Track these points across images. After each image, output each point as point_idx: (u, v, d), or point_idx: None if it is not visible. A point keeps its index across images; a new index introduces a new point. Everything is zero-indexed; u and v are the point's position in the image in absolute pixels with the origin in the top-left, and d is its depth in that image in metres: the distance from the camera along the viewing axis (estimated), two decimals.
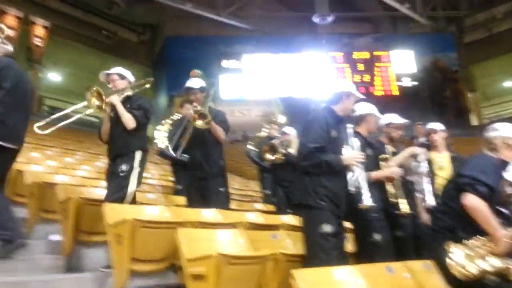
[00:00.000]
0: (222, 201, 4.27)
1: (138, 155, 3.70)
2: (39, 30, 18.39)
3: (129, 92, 3.92)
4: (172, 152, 4.42)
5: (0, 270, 3.01)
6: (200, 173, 4.26)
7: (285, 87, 21.25)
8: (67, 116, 4.23)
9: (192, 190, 4.50)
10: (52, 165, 5.84)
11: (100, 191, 4.20)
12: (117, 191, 3.57)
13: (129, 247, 2.97)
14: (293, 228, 3.98)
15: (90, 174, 5.69)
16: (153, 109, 3.96)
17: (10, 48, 3.26)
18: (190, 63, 21.03)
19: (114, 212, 3.17)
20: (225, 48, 21.71)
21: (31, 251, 3.59)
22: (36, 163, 5.52)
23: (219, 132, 4.24)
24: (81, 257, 3.53)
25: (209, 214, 4.08)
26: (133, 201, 3.73)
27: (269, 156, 5.22)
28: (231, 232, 3.29)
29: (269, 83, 21.52)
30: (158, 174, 7.86)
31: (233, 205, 5.33)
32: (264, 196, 6.15)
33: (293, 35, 22.26)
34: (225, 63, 21.87)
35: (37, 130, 3.73)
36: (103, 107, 3.68)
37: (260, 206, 5.70)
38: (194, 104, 4.04)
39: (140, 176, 3.74)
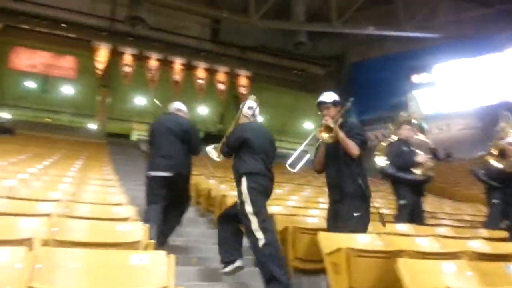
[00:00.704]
0: (352, 229, 3.55)
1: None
2: (243, 80, 21.23)
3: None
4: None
5: None
6: (334, 194, 3.78)
7: (489, 92, 18.54)
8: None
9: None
10: None
11: (311, 219, 4.40)
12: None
13: (346, 276, 2.98)
14: None
15: (299, 204, 6.04)
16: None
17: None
18: (377, 84, 20.70)
19: (328, 241, 3.25)
20: (414, 63, 20.48)
21: (257, 276, 3.99)
22: None
23: (349, 146, 3.56)
24: (300, 285, 3.71)
25: (424, 242, 3.79)
26: None
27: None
28: (456, 264, 2.96)
29: (468, 92, 19.19)
30: None
31: (449, 231, 4.83)
32: (490, 219, 5.37)
33: (491, 34, 19.36)
34: (415, 78, 20.60)
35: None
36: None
37: (483, 232, 4.98)
38: (325, 117, 3.69)
39: None
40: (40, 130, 15.99)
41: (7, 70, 18.84)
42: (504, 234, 4.81)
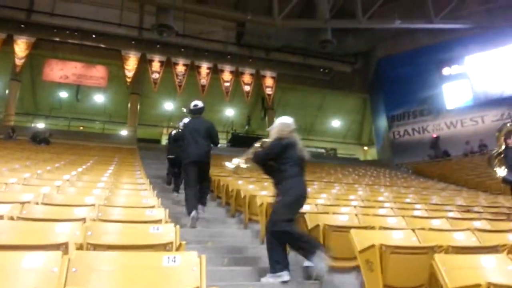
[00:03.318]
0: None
1: None
2: (269, 81, 21.27)
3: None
4: None
5: None
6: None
7: None
8: None
9: None
10: None
11: (341, 217, 4.33)
12: None
13: (380, 273, 2.92)
14: None
15: (329, 202, 5.97)
16: None
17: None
18: (406, 79, 20.23)
19: (361, 238, 3.19)
20: (444, 55, 19.86)
21: (290, 275, 3.96)
22: None
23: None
24: (333, 283, 3.65)
25: (461, 237, 3.66)
26: None
27: None
28: (496, 258, 2.84)
29: (503, 81, 18.42)
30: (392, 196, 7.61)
31: (485, 225, 4.65)
32: None
33: None
34: (446, 70, 19.97)
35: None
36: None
37: None
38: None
39: None
40: (74, 138, 16.53)
41: (41, 82, 19.62)
42: None
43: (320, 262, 3.35)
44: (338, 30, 18.51)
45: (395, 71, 20.77)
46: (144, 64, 19.46)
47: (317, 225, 3.75)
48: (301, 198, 3.83)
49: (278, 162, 3.95)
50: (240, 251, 4.66)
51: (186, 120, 6.81)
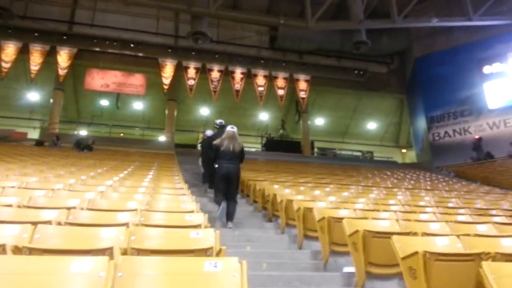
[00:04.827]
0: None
1: None
2: (302, 84, 21.18)
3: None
4: None
5: None
6: None
7: None
8: None
9: None
10: (334, 200, 6.35)
11: (382, 223, 4.24)
12: None
13: (424, 281, 2.84)
14: None
15: (367, 207, 5.87)
16: None
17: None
18: (445, 78, 19.58)
19: (403, 244, 3.12)
20: (485, 53, 19.07)
21: (328, 282, 3.92)
22: (320, 200, 6.13)
23: None
24: None
25: (509, 243, 3.50)
26: None
27: None
28: None
29: None
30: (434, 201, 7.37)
31: None
32: None
33: None
34: (487, 69, 19.16)
35: None
36: None
37: None
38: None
39: None
40: (115, 145, 17.10)
41: (83, 90, 20.46)
42: None
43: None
44: (372, 30, 18.21)
45: (433, 71, 20.16)
46: (180, 71, 19.90)
47: (357, 231, 3.69)
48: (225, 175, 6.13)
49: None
50: (278, 256, 4.66)
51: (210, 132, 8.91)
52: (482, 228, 4.34)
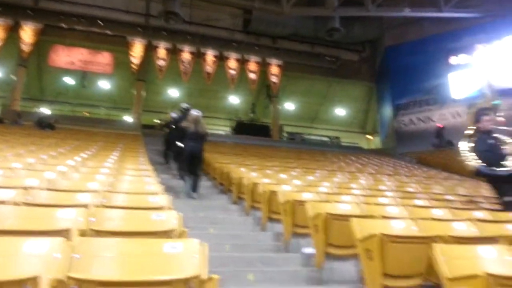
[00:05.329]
0: None
1: None
2: (274, 69, 21.18)
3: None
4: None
5: (263, 280, 3.45)
6: None
7: None
8: None
9: None
10: (299, 184, 6.45)
11: (344, 206, 4.34)
12: None
13: (380, 262, 2.94)
14: None
15: (330, 190, 5.99)
16: None
17: None
18: (413, 68, 20.04)
19: (361, 227, 3.21)
20: (452, 44, 19.59)
21: (288, 263, 4.02)
22: (285, 183, 6.21)
23: None
24: (332, 270, 3.70)
25: (461, 227, 3.67)
26: None
27: None
28: (496, 249, 2.85)
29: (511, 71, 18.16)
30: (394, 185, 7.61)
31: (486, 215, 4.64)
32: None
33: None
34: (454, 59, 19.72)
35: None
36: None
37: None
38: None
39: None
40: (79, 124, 16.60)
41: (47, 67, 19.65)
42: None
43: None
44: (346, 18, 18.30)
45: (402, 60, 20.57)
46: (150, 51, 19.40)
47: (319, 214, 3.77)
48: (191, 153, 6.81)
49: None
50: (241, 238, 4.71)
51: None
52: (438, 212, 4.52)
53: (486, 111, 5.29)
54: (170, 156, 9.59)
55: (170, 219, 3.19)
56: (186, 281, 2.06)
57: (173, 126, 9.11)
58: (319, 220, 3.75)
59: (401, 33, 20.96)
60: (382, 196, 5.74)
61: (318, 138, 24.18)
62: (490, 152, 4.91)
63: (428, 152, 17.87)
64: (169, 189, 5.62)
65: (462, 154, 5.08)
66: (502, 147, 4.92)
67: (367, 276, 3.03)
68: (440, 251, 2.62)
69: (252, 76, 20.71)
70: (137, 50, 19.25)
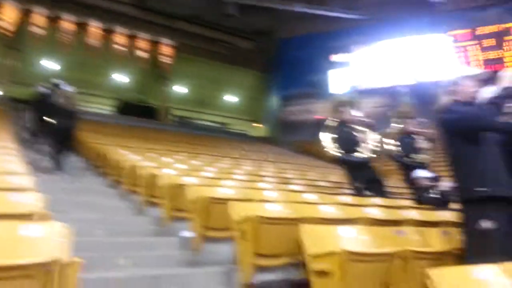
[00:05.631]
0: None
1: None
2: (167, 50, 20.44)
3: None
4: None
5: (134, 264, 3.37)
6: None
7: (405, 73, 19.81)
8: None
9: None
10: (181, 168, 6.37)
11: (224, 190, 4.42)
12: None
13: (253, 242, 3.07)
14: (420, 223, 3.68)
15: (214, 175, 6.06)
16: None
17: None
18: (300, 62, 21.25)
19: (238, 210, 3.30)
20: (334, 43, 21.21)
21: (165, 247, 3.97)
22: (168, 167, 6.08)
23: None
24: (209, 252, 3.76)
25: (329, 209, 4.01)
26: None
27: None
28: (354, 228, 3.18)
29: (385, 72, 20.32)
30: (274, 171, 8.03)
31: (351, 200, 5.15)
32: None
33: (408, 18, 20.48)
34: (334, 57, 21.41)
35: None
36: None
37: (379, 200, 5.36)
38: None
39: None
40: None
41: None
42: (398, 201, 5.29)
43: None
44: (243, 7, 18.50)
45: (292, 53, 21.61)
46: (26, 17, 17.12)
47: (199, 197, 3.78)
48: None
49: None
50: (119, 222, 4.51)
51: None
52: (309, 197, 4.88)
53: (343, 104, 5.86)
54: (38, 134, 8.80)
55: (31, 201, 2.91)
56: (45, 265, 1.90)
57: (40, 102, 8.45)
58: (199, 203, 3.76)
59: (294, 27, 21.93)
60: (262, 181, 5.99)
61: (208, 123, 24.25)
62: (346, 140, 5.39)
63: (308, 142, 19.20)
64: (38, 170, 5.13)
65: (323, 144, 5.50)
66: (356, 134, 5.42)
67: (241, 256, 3.14)
68: (305, 231, 2.84)
69: (142, 54, 19.74)
70: (8, 14, 16.88)
